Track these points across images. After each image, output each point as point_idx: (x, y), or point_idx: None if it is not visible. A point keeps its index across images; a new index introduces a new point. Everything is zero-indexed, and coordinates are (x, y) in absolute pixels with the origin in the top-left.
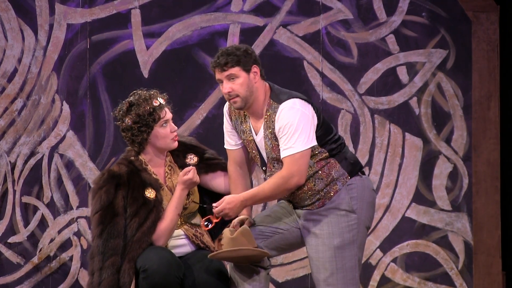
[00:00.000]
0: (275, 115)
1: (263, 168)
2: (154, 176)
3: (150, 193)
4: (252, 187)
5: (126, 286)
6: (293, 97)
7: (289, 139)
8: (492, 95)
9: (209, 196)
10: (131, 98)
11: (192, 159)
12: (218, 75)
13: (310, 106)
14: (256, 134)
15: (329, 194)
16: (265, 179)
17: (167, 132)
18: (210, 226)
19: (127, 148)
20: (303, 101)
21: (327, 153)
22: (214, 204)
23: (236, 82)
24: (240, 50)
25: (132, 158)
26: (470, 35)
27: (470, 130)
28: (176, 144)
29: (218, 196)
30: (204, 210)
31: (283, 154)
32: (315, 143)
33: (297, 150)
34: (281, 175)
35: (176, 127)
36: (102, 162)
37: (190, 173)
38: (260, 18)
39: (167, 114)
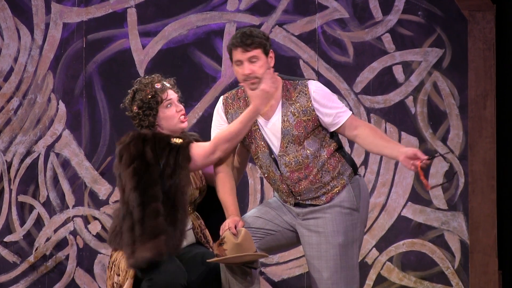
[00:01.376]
0: (307, 89)
1: (272, 156)
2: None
3: (176, 140)
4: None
5: (182, 222)
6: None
7: (339, 106)
8: (488, 94)
9: (212, 192)
10: (135, 86)
11: None
12: (239, 56)
13: None
14: (268, 119)
15: (336, 188)
16: (261, 177)
17: (172, 113)
18: None
19: None
20: None
21: (336, 145)
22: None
23: (256, 65)
24: (261, 33)
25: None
26: (466, 34)
27: (466, 129)
28: (185, 124)
29: (215, 193)
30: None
31: (343, 119)
32: None
33: (350, 112)
34: (371, 125)
35: (182, 107)
36: (98, 161)
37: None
38: (256, 17)
39: (170, 95)
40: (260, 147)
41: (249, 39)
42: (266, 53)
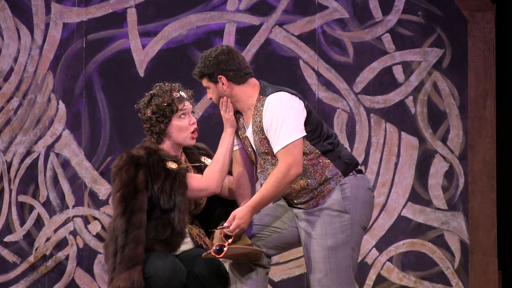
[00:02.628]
0: (263, 107)
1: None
2: (173, 154)
3: (171, 164)
4: (254, 189)
5: (174, 246)
6: (279, 91)
7: (279, 132)
8: (488, 94)
9: (216, 200)
10: (153, 90)
11: (206, 159)
12: None
13: (297, 98)
14: (247, 130)
15: (322, 193)
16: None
17: (185, 124)
18: (224, 251)
19: (143, 139)
20: (290, 94)
21: (318, 152)
22: (225, 224)
23: (209, 92)
24: (207, 60)
25: (148, 144)
26: (466, 34)
27: (466, 129)
28: (194, 141)
29: (219, 200)
30: (205, 211)
31: (276, 149)
32: (305, 133)
33: (288, 141)
34: (279, 170)
35: (195, 120)
36: (98, 161)
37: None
38: (256, 17)
39: (187, 106)
40: (251, 152)
41: (195, 70)
42: (214, 81)
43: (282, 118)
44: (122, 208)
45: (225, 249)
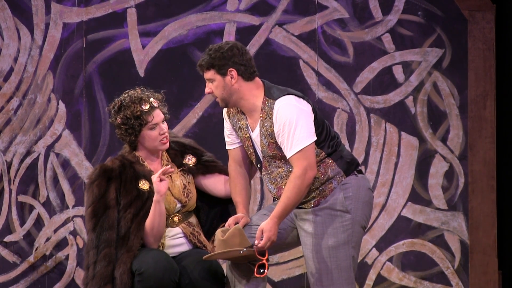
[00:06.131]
0: (272, 112)
1: (258, 165)
2: (148, 168)
3: (143, 185)
4: (251, 188)
5: (122, 276)
6: (287, 94)
7: (292, 137)
8: (488, 94)
9: (205, 200)
10: (123, 98)
11: (190, 159)
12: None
13: (305, 101)
14: (252, 131)
15: (324, 192)
16: (261, 178)
17: (155, 135)
18: (266, 271)
19: (124, 145)
20: (297, 97)
21: (324, 153)
22: (256, 241)
23: (212, 85)
24: (219, 52)
25: (126, 153)
26: (466, 34)
27: (466, 129)
28: (166, 146)
29: (214, 199)
30: (201, 209)
31: (290, 153)
32: (315, 137)
33: (302, 145)
34: (296, 175)
35: (165, 129)
36: (98, 161)
37: (157, 180)
38: (256, 17)
39: (156, 117)
40: (251, 152)
41: (202, 61)
42: (222, 73)
43: (295, 123)
44: (92, 224)
45: (265, 269)
